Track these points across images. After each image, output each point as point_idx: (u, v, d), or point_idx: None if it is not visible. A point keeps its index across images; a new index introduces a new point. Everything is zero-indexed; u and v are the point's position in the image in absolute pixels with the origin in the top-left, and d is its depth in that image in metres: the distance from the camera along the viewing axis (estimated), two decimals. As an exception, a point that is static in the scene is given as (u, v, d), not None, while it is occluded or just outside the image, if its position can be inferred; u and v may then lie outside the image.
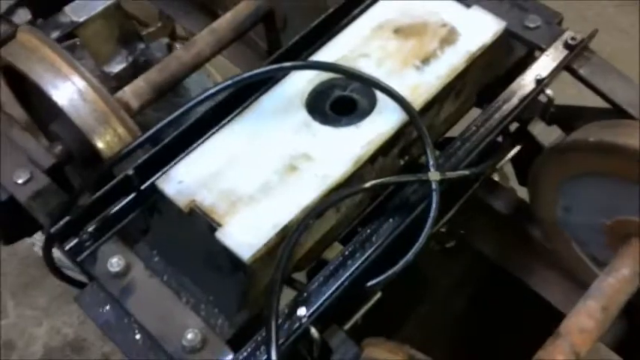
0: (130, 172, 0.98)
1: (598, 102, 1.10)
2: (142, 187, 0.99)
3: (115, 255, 0.94)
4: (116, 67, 1.58)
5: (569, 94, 1.13)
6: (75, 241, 0.96)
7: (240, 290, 0.88)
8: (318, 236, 0.95)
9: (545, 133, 1.11)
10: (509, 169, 1.37)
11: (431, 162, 0.92)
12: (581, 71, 1.10)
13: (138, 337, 0.90)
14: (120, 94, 1.26)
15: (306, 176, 0.91)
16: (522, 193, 1.29)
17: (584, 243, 1.15)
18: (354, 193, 0.91)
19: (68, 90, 1.12)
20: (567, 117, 1.15)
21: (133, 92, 1.27)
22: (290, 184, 0.90)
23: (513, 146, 1.13)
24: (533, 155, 1.10)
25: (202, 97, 0.91)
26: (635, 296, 1.11)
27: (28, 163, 1.08)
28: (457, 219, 1.47)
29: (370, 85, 0.96)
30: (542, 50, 1.11)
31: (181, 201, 0.90)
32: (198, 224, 0.89)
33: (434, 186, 0.92)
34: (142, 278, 0.93)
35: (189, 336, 0.86)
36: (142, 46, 1.63)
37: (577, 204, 1.09)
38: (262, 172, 0.91)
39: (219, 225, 0.87)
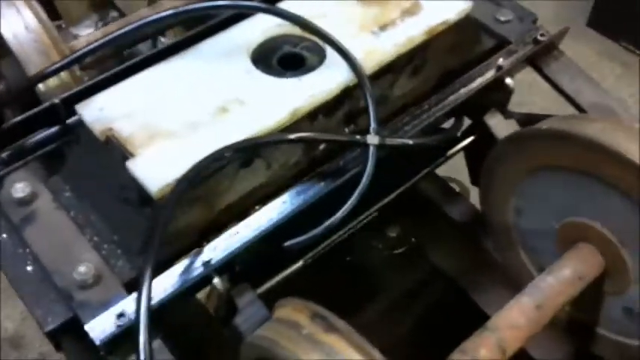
0: (56, 100, 0.92)
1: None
2: (68, 120, 0.93)
3: (22, 181, 0.87)
4: (84, 30, 1.54)
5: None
6: (-16, 164, 0.89)
7: (145, 227, 0.81)
8: (243, 191, 0.88)
9: (501, 128, 1.05)
10: (468, 184, 1.31)
11: (372, 125, 0.86)
12: (547, 70, 1.06)
13: (30, 268, 0.82)
14: (74, 42, 1.21)
15: (235, 119, 0.85)
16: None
17: (533, 250, 1.08)
18: (280, 141, 0.85)
19: (14, 21, 1.07)
20: (532, 122, 1.10)
21: (87, 42, 1.22)
22: (217, 125, 0.84)
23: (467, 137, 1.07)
24: (487, 148, 1.04)
25: (144, 21, 0.86)
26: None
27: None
28: (409, 225, 1.42)
29: (322, 39, 0.91)
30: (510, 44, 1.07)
31: (99, 128, 0.83)
32: (113, 154, 0.82)
33: (371, 150, 0.85)
34: (46, 209, 0.86)
35: (82, 269, 0.78)
36: (114, 14, 1.60)
37: (529, 205, 1.03)
38: (190, 110, 0.86)
39: (132, 155, 0.80)
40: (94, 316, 0.76)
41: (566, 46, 1.09)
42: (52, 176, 0.92)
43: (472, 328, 0.91)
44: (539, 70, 1.06)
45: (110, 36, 0.88)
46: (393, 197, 1.10)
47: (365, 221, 1.01)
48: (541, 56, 1.06)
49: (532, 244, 1.08)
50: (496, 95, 1.02)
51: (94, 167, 0.88)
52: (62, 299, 0.79)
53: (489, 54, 1.07)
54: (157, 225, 0.72)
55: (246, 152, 0.82)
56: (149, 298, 0.68)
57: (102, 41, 0.88)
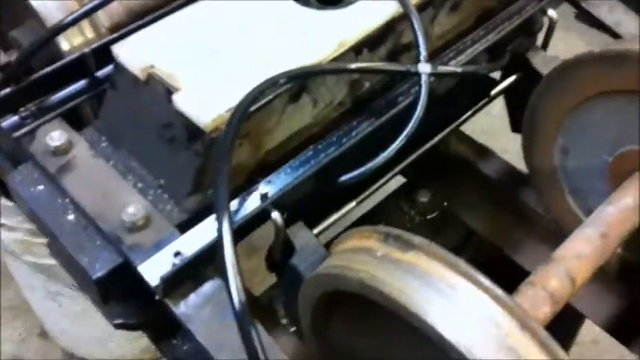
0: (86, 50, 0.88)
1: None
2: (98, 73, 0.89)
3: (56, 130, 0.82)
4: None
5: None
6: (14, 118, 0.85)
7: (195, 166, 0.76)
8: (291, 130, 0.84)
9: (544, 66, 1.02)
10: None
11: (423, 53, 0.83)
12: (585, 3, 1.03)
13: (71, 217, 0.78)
14: None
15: (280, 52, 0.81)
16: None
17: (581, 192, 1.04)
18: (336, 71, 0.81)
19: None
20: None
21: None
22: (263, 58, 0.80)
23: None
24: (530, 87, 1.01)
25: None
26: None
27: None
28: (440, 189, 1.38)
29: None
30: (545, -18, 1.04)
31: (138, 66, 0.79)
32: (155, 92, 0.78)
33: (423, 78, 0.82)
34: (84, 158, 0.82)
35: (131, 210, 0.74)
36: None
37: (578, 141, 0.99)
38: (233, 46, 0.81)
39: (178, 90, 0.76)
40: (147, 258, 0.71)
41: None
42: (84, 128, 0.87)
43: (513, 287, 0.87)
44: (577, 5, 1.03)
45: None
46: (427, 153, 1.06)
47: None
48: (578, -9, 1.04)
49: (580, 185, 1.04)
50: (539, 28, 0.99)
51: (131, 112, 0.83)
52: (110, 244, 0.74)
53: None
54: (224, 148, 0.67)
55: (300, 80, 0.78)
56: (230, 217, 0.64)
57: None
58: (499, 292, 0.60)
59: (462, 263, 0.62)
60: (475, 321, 0.59)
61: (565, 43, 1.03)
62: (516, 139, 1.11)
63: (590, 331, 2.05)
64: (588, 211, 1.04)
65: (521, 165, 1.20)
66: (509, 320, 0.59)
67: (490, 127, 2.01)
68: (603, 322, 1.15)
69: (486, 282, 0.61)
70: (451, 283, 0.61)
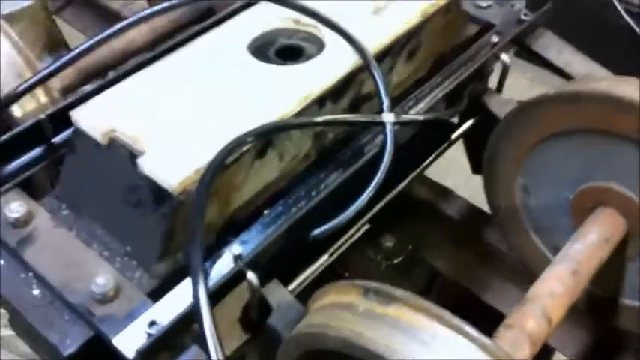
0: (42, 116, 0.86)
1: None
2: (55, 139, 0.87)
3: (15, 201, 0.79)
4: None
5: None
6: (-32, 190, 0.81)
7: (163, 230, 0.74)
8: (258, 186, 0.84)
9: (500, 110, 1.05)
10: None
11: (385, 102, 0.84)
12: (535, 46, 1.06)
13: (36, 292, 0.74)
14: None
15: (244, 109, 0.80)
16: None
17: (546, 230, 1.06)
18: (303, 125, 0.81)
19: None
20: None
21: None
22: (227, 116, 0.79)
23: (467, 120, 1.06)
24: (488, 130, 1.03)
25: (133, 19, 0.81)
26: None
27: None
28: (404, 232, 1.39)
29: (326, 25, 0.89)
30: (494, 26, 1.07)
31: (100, 131, 0.77)
32: (118, 156, 0.76)
33: (388, 127, 0.83)
34: (46, 228, 0.79)
35: (100, 280, 0.71)
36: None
37: (538, 180, 1.01)
38: (196, 105, 0.81)
39: (142, 153, 0.74)
40: (121, 330, 0.68)
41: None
42: (44, 197, 0.85)
43: (485, 326, 0.86)
44: (527, 49, 1.06)
45: (80, 48, 0.82)
46: (392, 199, 1.06)
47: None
48: (526, 35, 1.07)
49: (543, 222, 1.06)
50: (490, 71, 1.02)
51: (93, 177, 0.81)
52: (80, 318, 0.71)
53: (477, 39, 1.07)
54: (197, 208, 0.66)
55: (266, 137, 0.78)
56: (206, 281, 0.62)
57: (73, 54, 0.82)
58: (485, 340, 0.60)
59: (446, 313, 0.61)
60: (465, 372, 0.58)
61: (508, 80, 1.06)
62: (466, 178, 1.13)
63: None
64: (554, 248, 1.06)
65: (475, 202, 1.22)
66: (498, 368, 0.59)
67: (438, 166, 2.04)
68: (573, 354, 1.16)
69: (472, 331, 0.60)
70: (437, 334, 0.61)
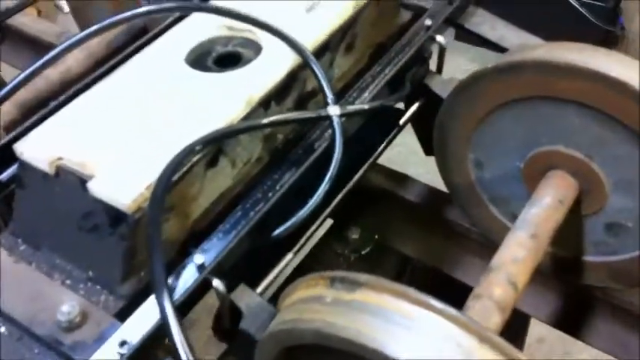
0: (-15, 155, 0.84)
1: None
2: (2, 175, 0.86)
3: (-31, 243, 0.78)
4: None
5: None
6: None
7: (123, 250, 0.74)
8: (214, 194, 0.84)
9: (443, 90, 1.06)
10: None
11: (329, 96, 0.85)
12: (468, 24, 1.09)
13: (3, 329, 0.73)
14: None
15: (191, 120, 0.80)
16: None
17: (503, 200, 1.08)
18: (250, 128, 0.81)
19: None
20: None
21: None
22: (174, 129, 0.79)
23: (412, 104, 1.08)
24: (435, 110, 1.04)
25: (64, 45, 0.81)
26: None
27: None
28: (369, 223, 1.40)
29: (261, 28, 0.89)
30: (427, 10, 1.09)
31: (45, 161, 0.77)
32: (68, 183, 0.76)
33: (335, 120, 0.84)
34: (5, 265, 0.78)
35: (65, 308, 0.70)
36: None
37: (488, 153, 1.03)
38: (140, 122, 0.80)
39: (91, 178, 0.74)
40: (92, 354, 0.67)
41: None
42: (-2, 235, 0.83)
43: (461, 303, 0.88)
44: (461, 27, 1.08)
45: (15, 80, 0.81)
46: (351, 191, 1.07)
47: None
48: (459, 15, 1.09)
49: (500, 194, 1.08)
50: (429, 54, 1.04)
51: (45, 208, 0.80)
52: (50, 349, 0.70)
53: (411, 25, 1.09)
54: (154, 223, 0.65)
55: (216, 144, 0.78)
56: (170, 294, 0.62)
57: (8, 88, 0.82)
58: (452, 311, 0.61)
59: (411, 291, 0.62)
60: (436, 344, 0.59)
61: (450, 63, 1.08)
62: (426, 163, 1.14)
63: (534, 331, 2.12)
64: (513, 217, 1.09)
65: (440, 185, 1.24)
66: (468, 337, 0.60)
67: (398, 156, 2.07)
68: (547, 317, 1.19)
69: (438, 304, 0.61)
70: (405, 312, 0.62)
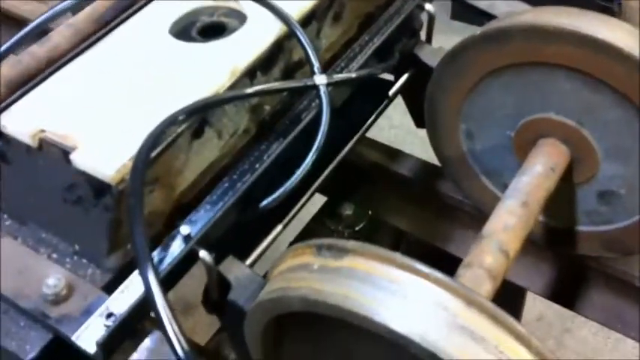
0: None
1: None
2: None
3: (-46, 218, 0.77)
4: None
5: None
6: None
7: (108, 223, 0.73)
8: (201, 166, 0.83)
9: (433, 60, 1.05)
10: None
11: (315, 65, 0.84)
12: (458, -6, 1.07)
13: (-12, 305, 0.72)
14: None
15: (175, 90, 0.79)
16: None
17: (494, 171, 1.07)
18: (234, 98, 0.80)
19: None
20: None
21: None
22: (157, 100, 0.78)
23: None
24: (425, 81, 1.03)
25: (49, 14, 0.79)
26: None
27: None
28: (362, 199, 1.39)
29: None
30: (415, -21, 1.07)
31: (28, 134, 0.75)
32: (51, 156, 0.75)
33: (322, 89, 0.82)
34: (-10, 240, 0.77)
35: (51, 281, 0.70)
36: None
37: (479, 123, 1.02)
38: (124, 93, 0.79)
39: (74, 149, 0.73)
40: (79, 327, 0.67)
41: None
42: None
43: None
44: (451, -4, 1.07)
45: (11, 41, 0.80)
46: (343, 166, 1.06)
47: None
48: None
49: (491, 164, 1.07)
50: (420, 25, 1.02)
51: (29, 182, 0.79)
52: (36, 322, 0.70)
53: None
54: (135, 195, 0.64)
55: (200, 114, 0.77)
56: (154, 265, 0.61)
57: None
58: (439, 275, 0.60)
59: (397, 256, 0.62)
60: (423, 309, 0.59)
61: (446, 43, 1.06)
62: (423, 143, 1.13)
63: (532, 309, 2.12)
64: (505, 188, 1.08)
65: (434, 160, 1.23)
66: (455, 300, 0.59)
67: (396, 137, 2.06)
68: (542, 290, 1.18)
69: (424, 268, 0.61)
70: (392, 278, 0.61)
